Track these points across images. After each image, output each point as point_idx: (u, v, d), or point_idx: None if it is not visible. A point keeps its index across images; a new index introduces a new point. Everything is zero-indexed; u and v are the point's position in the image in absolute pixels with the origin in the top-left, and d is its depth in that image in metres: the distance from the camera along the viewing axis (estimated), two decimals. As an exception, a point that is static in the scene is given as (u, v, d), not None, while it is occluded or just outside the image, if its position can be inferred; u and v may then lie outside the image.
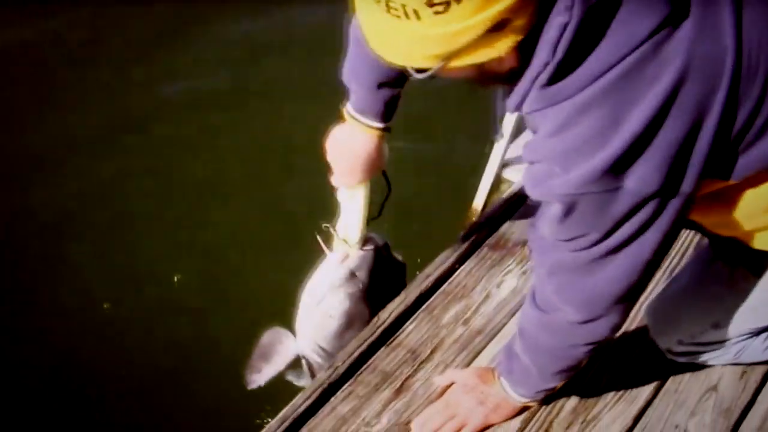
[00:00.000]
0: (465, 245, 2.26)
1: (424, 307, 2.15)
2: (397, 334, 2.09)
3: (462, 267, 2.22)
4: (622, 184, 1.19)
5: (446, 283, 2.19)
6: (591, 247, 1.32)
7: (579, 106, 1.15)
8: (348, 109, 1.82)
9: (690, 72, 1.13)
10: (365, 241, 2.04)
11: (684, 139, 1.17)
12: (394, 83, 1.73)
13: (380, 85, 1.74)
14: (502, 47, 1.11)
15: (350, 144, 1.86)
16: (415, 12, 1.05)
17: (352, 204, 2.00)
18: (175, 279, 3.11)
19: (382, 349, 2.06)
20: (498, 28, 1.07)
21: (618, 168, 1.17)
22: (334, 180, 1.95)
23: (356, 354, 2.04)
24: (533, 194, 1.32)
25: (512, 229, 2.32)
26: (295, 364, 2.22)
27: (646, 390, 1.90)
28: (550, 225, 1.35)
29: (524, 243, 2.25)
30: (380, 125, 1.83)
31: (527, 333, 1.63)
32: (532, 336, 1.62)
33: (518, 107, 1.24)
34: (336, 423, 1.93)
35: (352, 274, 2.04)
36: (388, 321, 2.10)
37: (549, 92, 1.18)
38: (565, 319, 1.50)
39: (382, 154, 1.90)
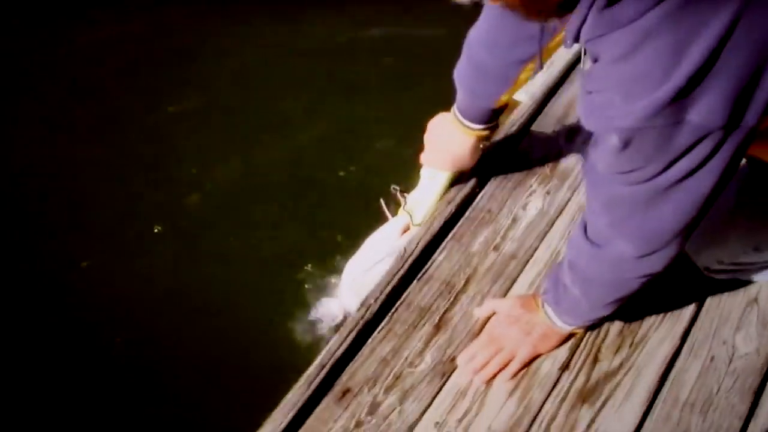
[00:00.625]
0: (480, 167, 2.14)
1: (450, 235, 2.05)
2: (428, 266, 2.00)
3: (483, 191, 2.12)
4: (685, 117, 1.11)
5: (470, 209, 2.09)
6: (648, 181, 1.25)
7: (642, 32, 1.07)
8: (454, 105, 1.88)
9: None
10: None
11: (750, 70, 1.08)
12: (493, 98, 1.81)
13: (479, 96, 1.82)
14: None
15: (446, 136, 1.95)
16: None
17: (431, 184, 2.08)
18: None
19: (415, 283, 1.97)
20: None
21: (681, 101, 1.09)
22: (423, 158, 2.04)
23: (388, 289, 1.94)
24: (589, 125, 1.25)
25: (529, 147, 2.20)
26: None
27: (689, 308, 1.87)
28: (606, 157, 1.27)
29: (543, 161, 2.16)
30: (477, 127, 1.90)
31: (578, 266, 1.57)
32: (583, 269, 1.56)
33: (576, 36, 1.16)
34: (378, 366, 1.84)
35: None
36: (416, 252, 2.00)
37: (609, 14, 1.09)
38: (619, 253, 1.44)
39: (474, 153, 1.99)
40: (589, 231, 1.49)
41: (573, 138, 2.22)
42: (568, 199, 2.09)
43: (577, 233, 1.54)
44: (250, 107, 3.29)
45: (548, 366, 1.82)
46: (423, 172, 2.10)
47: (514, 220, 2.06)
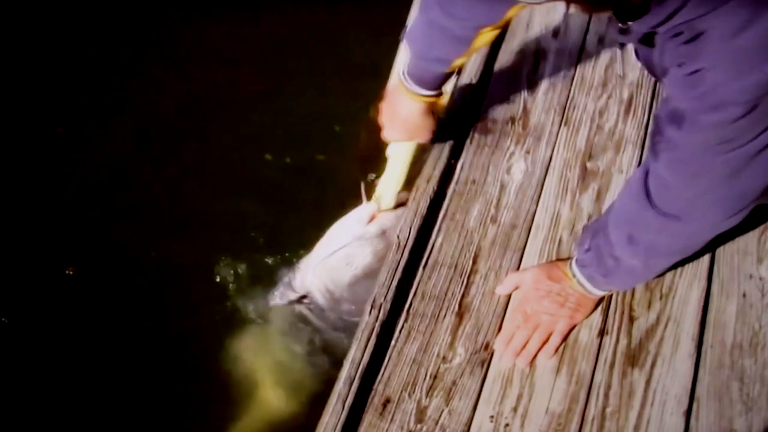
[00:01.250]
0: (450, 138, 1.99)
1: (442, 215, 1.90)
2: (428, 251, 1.84)
3: (460, 162, 1.97)
4: None
5: (453, 183, 1.95)
6: (743, 147, 1.25)
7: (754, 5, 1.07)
8: (402, 71, 1.77)
9: None
10: (403, 202, 1.98)
11: None
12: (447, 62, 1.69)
13: (433, 60, 1.69)
14: None
15: (397, 104, 1.83)
16: None
17: (394, 162, 1.97)
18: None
19: (420, 271, 1.81)
20: None
21: None
22: (383, 132, 1.91)
23: (395, 284, 1.78)
24: (689, 101, 1.24)
25: (492, 103, 2.07)
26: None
27: (706, 247, 1.78)
28: (707, 131, 1.25)
29: (511, 118, 2.04)
30: (426, 93, 1.79)
31: (641, 240, 1.50)
32: (651, 242, 1.50)
33: (669, 17, 1.16)
34: (410, 368, 1.70)
35: (382, 232, 1.97)
36: (411, 238, 1.83)
37: None
38: (703, 221, 1.41)
39: (426, 121, 1.87)
40: (662, 205, 1.42)
41: (537, 70, 2.10)
42: (550, 157, 1.98)
43: (635, 209, 1.47)
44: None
45: (586, 334, 1.71)
46: (387, 151, 1.99)
47: (502, 187, 1.94)
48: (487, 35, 1.60)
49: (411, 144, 1.94)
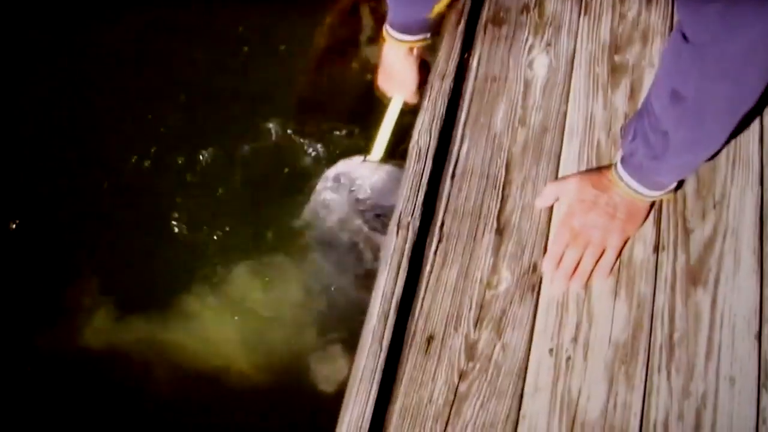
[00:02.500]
0: (461, 29, 1.71)
1: (463, 117, 1.63)
2: (455, 159, 1.58)
3: (476, 56, 1.70)
4: None
5: (471, 81, 1.68)
6: None
7: None
8: (386, 23, 1.73)
9: None
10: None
11: None
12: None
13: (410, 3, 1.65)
14: None
15: (386, 55, 1.82)
16: None
17: (385, 115, 1.90)
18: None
19: (448, 182, 1.58)
20: None
21: None
22: (378, 82, 1.93)
23: (420, 198, 1.50)
24: None
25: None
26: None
27: (754, 149, 1.60)
28: None
29: (526, 8, 1.77)
30: (409, 38, 1.74)
31: (687, 90, 1.26)
32: (695, 90, 1.26)
33: None
34: (453, 298, 1.44)
35: (354, 182, 1.91)
36: (433, 145, 1.55)
37: None
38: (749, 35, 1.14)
39: (411, 69, 1.81)
40: (696, 33, 1.18)
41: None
42: (574, 48, 1.72)
43: (672, 57, 1.26)
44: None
45: (641, 251, 1.51)
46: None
47: (527, 85, 1.70)
48: None
49: (398, 98, 1.90)
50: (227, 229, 2.11)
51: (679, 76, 1.26)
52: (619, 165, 1.48)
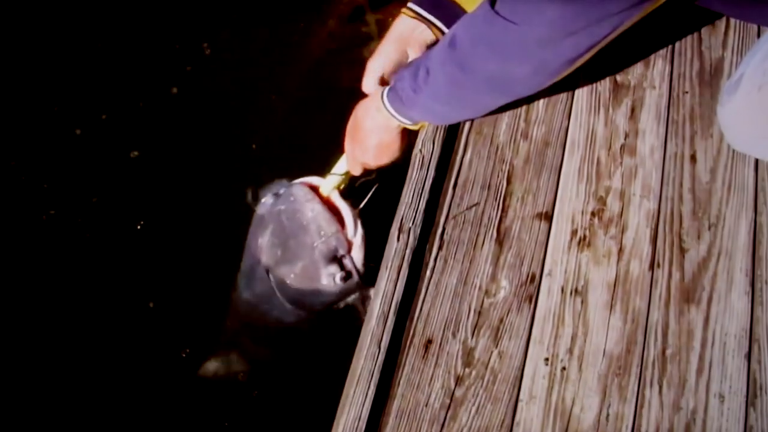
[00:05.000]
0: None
1: (467, 128, 1.66)
2: (458, 168, 1.60)
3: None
4: None
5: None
6: None
7: None
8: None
9: None
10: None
11: None
12: None
13: None
14: None
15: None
16: None
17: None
18: None
19: (450, 191, 1.56)
20: None
21: None
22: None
23: (422, 205, 1.52)
24: None
25: None
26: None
27: (749, 174, 1.64)
28: None
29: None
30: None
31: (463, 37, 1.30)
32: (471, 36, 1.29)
33: None
34: (451, 303, 1.46)
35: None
36: (436, 153, 1.57)
37: None
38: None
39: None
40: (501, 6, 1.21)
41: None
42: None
43: (485, 12, 1.25)
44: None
45: (637, 266, 1.54)
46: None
47: (530, 99, 1.70)
48: None
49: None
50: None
51: (470, 29, 1.28)
52: (386, 89, 1.49)
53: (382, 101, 1.46)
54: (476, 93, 1.36)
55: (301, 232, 1.68)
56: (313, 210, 1.66)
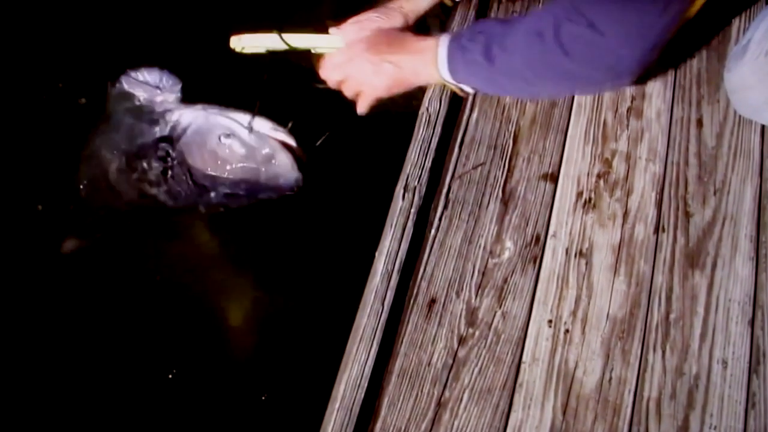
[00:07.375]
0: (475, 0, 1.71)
1: (474, 86, 1.60)
2: (464, 127, 1.57)
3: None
4: None
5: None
6: None
7: None
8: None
9: None
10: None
11: None
12: None
13: None
14: None
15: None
16: None
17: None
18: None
19: (456, 150, 1.53)
20: None
21: None
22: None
23: (428, 164, 1.50)
24: None
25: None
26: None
27: (755, 140, 1.62)
28: None
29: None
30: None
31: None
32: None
33: None
34: (456, 262, 1.43)
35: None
36: (443, 111, 1.55)
37: None
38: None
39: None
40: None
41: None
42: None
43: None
44: None
45: (641, 230, 1.52)
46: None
47: (538, 58, 1.65)
48: None
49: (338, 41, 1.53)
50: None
51: (559, 29, 1.23)
52: (447, 40, 1.37)
53: (437, 55, 1.38)
54: (547, 82, 1.30)
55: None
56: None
